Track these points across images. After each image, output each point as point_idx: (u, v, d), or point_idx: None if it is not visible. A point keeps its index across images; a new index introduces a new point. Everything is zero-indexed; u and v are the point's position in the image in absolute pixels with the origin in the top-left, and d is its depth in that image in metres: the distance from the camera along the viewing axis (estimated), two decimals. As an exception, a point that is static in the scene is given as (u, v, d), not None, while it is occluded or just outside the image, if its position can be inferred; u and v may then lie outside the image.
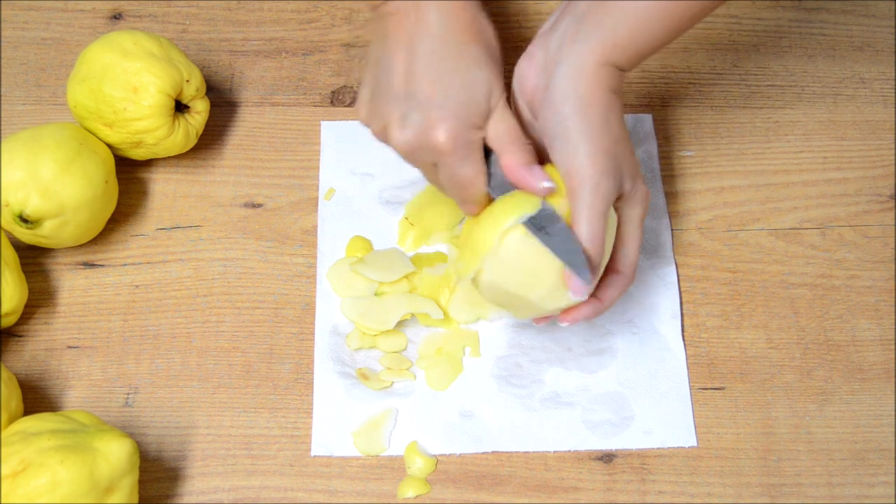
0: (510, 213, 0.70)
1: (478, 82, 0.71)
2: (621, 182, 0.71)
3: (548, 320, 0.76)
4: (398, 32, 0.72)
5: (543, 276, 0.70)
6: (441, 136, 0.70)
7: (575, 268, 0.69)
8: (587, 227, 0.69)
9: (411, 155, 0.73)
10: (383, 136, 0.74)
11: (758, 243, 0.85)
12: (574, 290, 0.69)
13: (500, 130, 0.71)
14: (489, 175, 0.72)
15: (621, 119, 0.71)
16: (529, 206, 0.69)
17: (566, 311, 0.73)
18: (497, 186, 0.72)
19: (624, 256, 0.74)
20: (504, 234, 0.70)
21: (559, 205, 0.70)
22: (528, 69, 0.73)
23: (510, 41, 0.94)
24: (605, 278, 0.74)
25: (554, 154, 0.70)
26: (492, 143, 0.72)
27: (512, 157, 0.71)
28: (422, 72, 0.71)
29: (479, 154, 0.72)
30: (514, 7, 0.95)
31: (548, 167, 0.72)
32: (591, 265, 0.69)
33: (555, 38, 0.71)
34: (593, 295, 0.73)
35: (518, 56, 0.93)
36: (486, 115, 0.71)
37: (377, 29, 0.75)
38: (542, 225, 0.69)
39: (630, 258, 0.74)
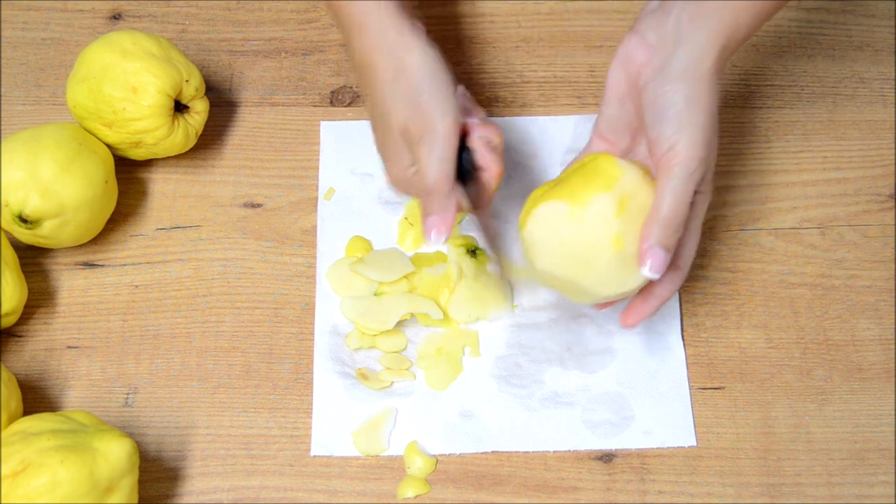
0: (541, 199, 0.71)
1: (390, 129, 0.74)
2: (707, 174, 0.70)
3: (607, 307, 0.75)
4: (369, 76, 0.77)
5: (595, 264, 0.69)
6: (390, 181, 0.77)
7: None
8: (670, 208, 0.68)
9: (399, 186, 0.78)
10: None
11: (758, 243, 0.85)
12: (653, 268, 0.69)
13: (427, 167, 0.74)
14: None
15: (717, 105, 0.70)
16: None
17: (625, 312, 0.73)
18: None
19: (684, 250, 0.72)
20: (543, 220, 0.70)
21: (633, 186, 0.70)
22: (637, 47, 0.71)
23: (509, 41, 0.94)
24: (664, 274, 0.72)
25: (655, 128, 0.69)
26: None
27: (425, 204, 0.75)
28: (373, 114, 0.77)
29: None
30: (513, 7, 0.95)
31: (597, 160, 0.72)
32: (668, 241, 0.68)
33: (671, 18, 0.70)
34: (648, 291, 0.72)
35: (514, 56, 0.93)
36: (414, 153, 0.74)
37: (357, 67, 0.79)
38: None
39: (689, 253, 0.73)
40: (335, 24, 0.79)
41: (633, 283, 0.70)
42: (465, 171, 0.75)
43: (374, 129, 0.77)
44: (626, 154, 0.73)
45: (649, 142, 0.70)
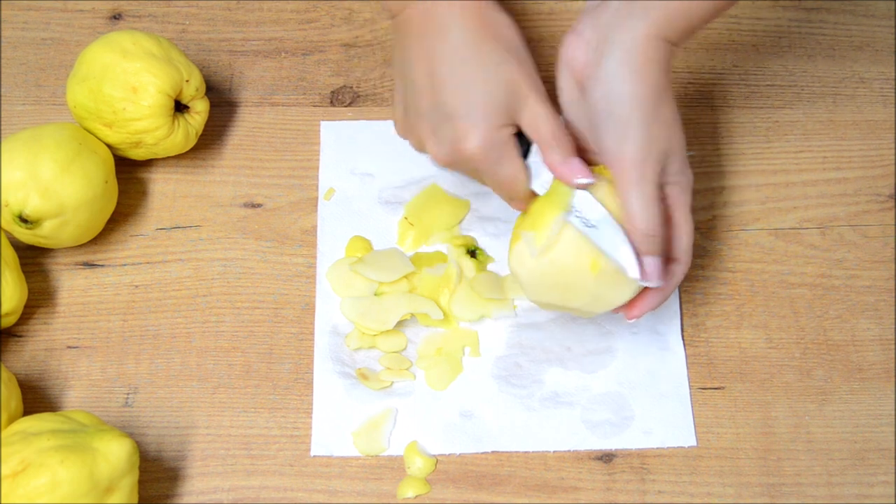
0: (532, 225, 0.72)
1: (497, 82, 0.71)
2: (667, 165, 0.70)
3: (621, 310, 0.75)
4: (416, 45, 0.73)
5: (579, 289, 0.71)
6: (471, 144, 0.71)
7: (621, 252, 0.69)
8: (638, 215, 0.68)
9: (451, 166, 0.74)
10: (421, 149, 0.76)
11: (758, 243, 0.85)
12: (650, 277, 0.69)
13: (537, 125, 0.71)
14: (529, 168, 0.73)
15: (672, 99, 0.70)
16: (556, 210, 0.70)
17: (629, 305, 0.73)
18: (540, 182, 0.73)
19: (678, 242, 0.73)
20: (520, 257, 0.71)
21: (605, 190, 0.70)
22: (576, 47, 0.71)
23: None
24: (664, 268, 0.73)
25: (600, 133, 0.70)
26: (531, 137, 0.72)
27: (549, 154, 0.71)
28: (443, 83, 0.71)
29: (514, 152, 0.72)
30: (513, 7, 0.95)
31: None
32: (653, 248, 0.69)
33: (606, 14, 0.69)
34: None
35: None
36: (514, 111, 0.71)
37: (398, 40, 0.75)
38: (586, 220, 0.70)
39: (684, 244, 0.73)
40: None
41: (627, 294, 0.72)
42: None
43: (459, 80, 0.71)
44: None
45: (599, 151, 0.70)
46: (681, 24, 0.69)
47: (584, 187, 0.70)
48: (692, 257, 0.74)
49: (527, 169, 0.73)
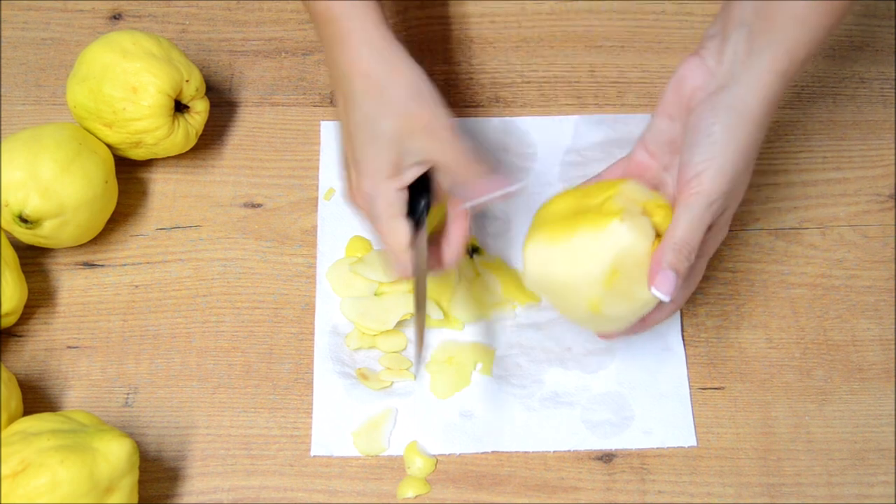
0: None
1: (380, 136, 0.71)
2: (727, 211, 0.71)
3: (615, 336, 0.76)
4: (335, 90, 0.75)
5: (573, 305, 0.70)
6: (355, 194, 0.73)
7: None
8: (684, 233, 0.68)
9: (355, 211, 0.75)
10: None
11: (758, 243, 0.85)
12: (662, 290, 0.68)
13: (450, 156, 0.71)
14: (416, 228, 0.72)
15: (760, 141, 0.70)
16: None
17: (641, 323, 0.73)
18: (418, 267, 0.73)
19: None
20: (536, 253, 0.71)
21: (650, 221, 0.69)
22: (695, 69, 0.71)
23: (509, 41, 0.94)
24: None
25: (688, 152, 0.69)
26: (448, 170, 0.71)
27: (466, 176, 0.71)
28: (344, 134, 0.74)
29: (391, 210, 0.72)
30: (513, 7, 0.95)
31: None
32: (680, 263, 0.68)
33: (729, 47, 0.70)
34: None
35: (515, 56, 0.93)
36: (395, 166, 0.71)
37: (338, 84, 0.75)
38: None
39: (685, 287, 0.73)
40: (313, 26, 0.77)
41: (618, 326, 0.72)
42: (418, 218, 0.73)
43: (355, 136, 0.72)
44: (663, 170, 0.73)
45: (681, 163, 0.70)
46: (800, 55, 0.69)
47: (504, 199, 0.71)
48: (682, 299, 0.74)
49: (410, 235, 0.72)
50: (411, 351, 0.81)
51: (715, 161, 0.68)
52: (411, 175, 0.71)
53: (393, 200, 0.71)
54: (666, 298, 0.69)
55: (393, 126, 0.70)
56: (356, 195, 0.73)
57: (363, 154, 0.72)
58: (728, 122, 0.68)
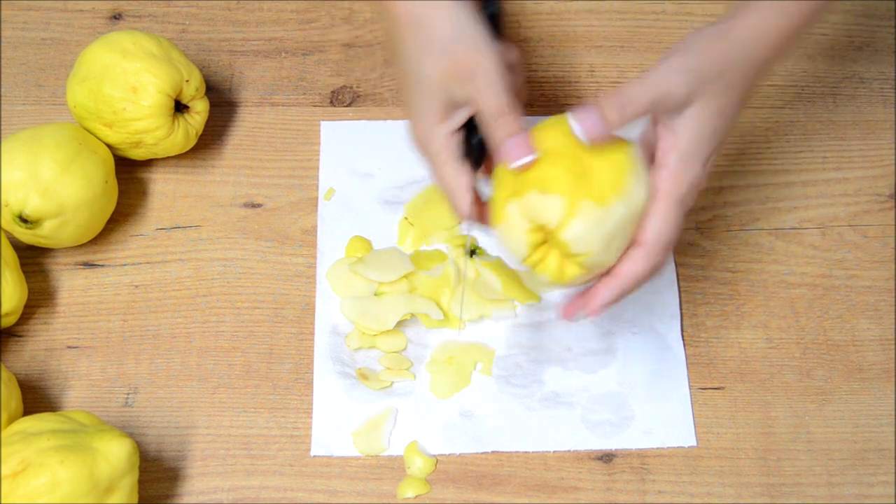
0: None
1: (432, 72, 0.68)
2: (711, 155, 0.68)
3: (574, 312, 0.70)
4: (399, 41, 0.71)
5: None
6: (413, 139, 0.71)
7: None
8: (659, 226, 0.66)
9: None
10: None
11: (758, 243, 0.85)
12: (582, 126, 0.65)
13: (479, 99, 0.68)
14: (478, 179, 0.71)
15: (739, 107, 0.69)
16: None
17: (582, 296, 0.68)
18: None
19: (648, 222, 0.67)
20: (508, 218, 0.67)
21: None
22: (670, 70, 0.68)
23: (509, 41, 0.94)
24: (625, 252, 0.68)
25: (663, 120, 0.67)
26: (477, 115, 0.69)
27: (491, 130, 0.68)
28: (404, 77, 0.71)
29: (447, 153, 0.69)
30: (513, 7, 0.95)
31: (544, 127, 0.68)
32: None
33: (698, 41, 0.68)
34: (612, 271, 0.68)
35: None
36: (456, 99, 0.68)
37: (390, 41, 0.73)
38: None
39: (654, 229, 0.67)
40: None
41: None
42: (477, 155, 0.71)
43: (403, 82, 0.71)
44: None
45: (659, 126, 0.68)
46: (771, 62, 0.69)
47: (524, 169, 0.66)
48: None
49: (469, 177, 0.70)
50: (411, 351, 0.81)
51: (694, 159, 0.66)
52: (460, 118, 0.70)
53: (446, 144, 0.70)
54: (582, 137, 0.65)
55: (436, 71, 0.68)
56: (413, 140, 0.71)
57: (411, 100, 0.70)
58: (706, 120, 0.67)
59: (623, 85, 0.65)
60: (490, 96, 0.68)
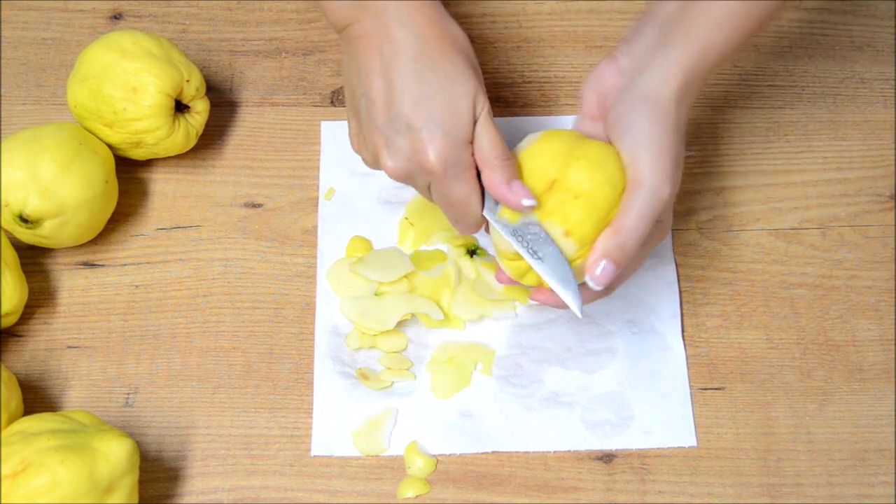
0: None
1: (460, 96, 0.69)
2: (668, 202, 0.70)
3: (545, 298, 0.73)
4: (370, 57, 0.71)
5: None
6: (431, 158, 0.69)
7: (566, 293, 0.69)
8: (631, 227, 0.67)
9: (404, 180, 0.72)
10: (375, 165, 0.74)
11: (758, 243, 0.85)
12: (596, 280, 0.68)
13: (483, 143, 0.70)
14: (483, 193, 0.72)
15: (681, 135, 0.71)
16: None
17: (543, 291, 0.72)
18: (489, 207, 0.72)
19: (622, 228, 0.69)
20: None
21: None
22: (608, 70, 0.73)
23: (509, 41, 0.94)
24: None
25: (618, 146, 0.70)
26: (475, 156, 0.70)
27: (493, 174, 0.69)
28: (401, 95, 0.69)
29: (471, 172, 0.70)
30: (513, 7, 0.95)
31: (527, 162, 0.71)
32: (619, 257, 0.68)
33: (640, 44, 0.71)
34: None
35: (515, 56, 0.93)
36: (473, 129, 0.70)
37: (348, 53, 0.73)
38: (533, 249, 0.69)
39: (625, 231, 0.69)
40: (327, 20, 0.75)
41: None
42: None
43: (419, 101, 0.69)
44: None
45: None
46: (711, 56, 0.70)
47: (527, 210, 0.69)
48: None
49: (480, 193, 0.71)
50: (412, 351, 0.81)
51: (646, 149, 0.68)
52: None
53: (470, 166, 0.70)
54: (597, 287, 0.69)
55: (471, 87, 0.70)
56: (436, 158, 0.69)
57: (433, 119, 0.69)
58: (646, 110, 0.69)
59: (620, 219, 0.68)
60: (492, 140, 0.70)
